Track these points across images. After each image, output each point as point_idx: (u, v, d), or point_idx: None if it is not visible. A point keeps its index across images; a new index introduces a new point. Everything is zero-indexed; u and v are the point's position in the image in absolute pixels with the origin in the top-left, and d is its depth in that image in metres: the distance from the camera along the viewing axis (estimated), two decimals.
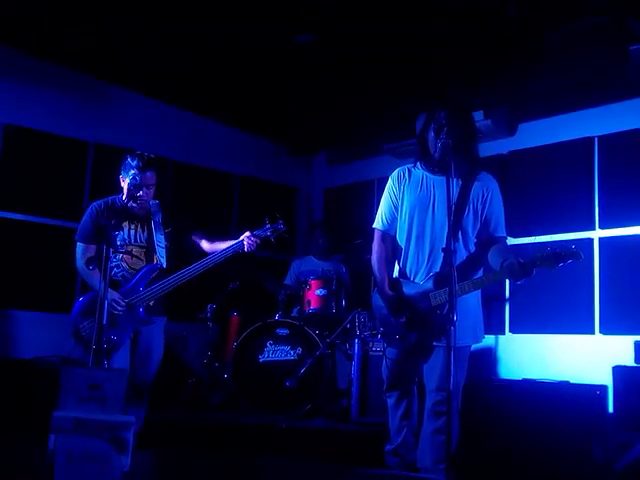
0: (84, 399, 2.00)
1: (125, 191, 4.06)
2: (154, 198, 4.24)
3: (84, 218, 4.15)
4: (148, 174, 4.06)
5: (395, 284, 3.56)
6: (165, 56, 5.70)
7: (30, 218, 5.89)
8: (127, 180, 4.05)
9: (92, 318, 3.90)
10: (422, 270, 3.51)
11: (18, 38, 5.65)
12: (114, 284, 3.97)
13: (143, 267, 4.06)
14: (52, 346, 5.18)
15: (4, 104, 5.81)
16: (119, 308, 3.90)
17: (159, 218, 4.18)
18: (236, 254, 4.10)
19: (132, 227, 4.13)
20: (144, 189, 4.05)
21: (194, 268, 4.04)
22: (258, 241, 4.11)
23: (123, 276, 4.05)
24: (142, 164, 4.04)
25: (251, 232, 4.11)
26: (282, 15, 4.92)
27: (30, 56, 5.86)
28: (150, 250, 4.10)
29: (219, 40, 5.38)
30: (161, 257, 4.09)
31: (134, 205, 4.08)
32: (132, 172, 4.01)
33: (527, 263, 3.23)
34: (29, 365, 4.98)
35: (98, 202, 4.18)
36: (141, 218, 4.16)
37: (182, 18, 5.06)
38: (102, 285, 3.42)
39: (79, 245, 4.13)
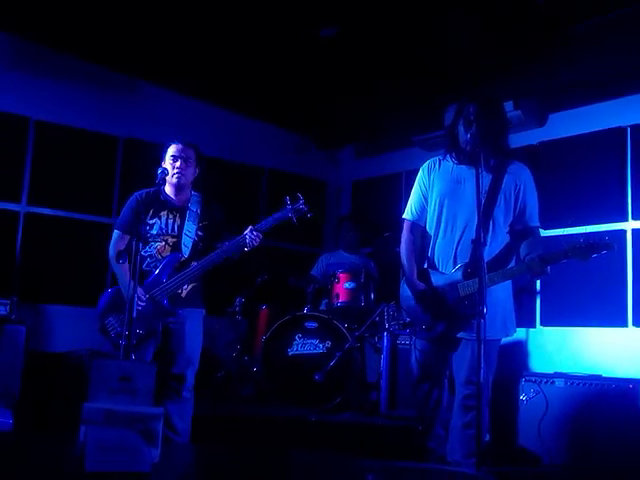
0: (114, 391, 2.02)
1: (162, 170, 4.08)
2: (195, 190, 4.24)
3: (124, 207, 4.15)
4: (183, 146, 4.11)
5: (424, 274, 3.54)
6: (194, 51, 5.72)
7: (61, 213, 5.97)
8: (166, 164, 4.09)
9: (117, 313, 3.94)
10: (450, 260, 3.50)
11: (49, 35, 5.71)
12: (145, 274, 3.95)
13: (166, 257, 4.02)
14: (84, 340, 5.25)
15: (35, 100, 5.88)
16: (140, 303, 3.81)
17: (197, 209, 4.13)
18: (242, 249, 3.98)
19: (170, 217, 4.08)
20: (181, 161, 4.06)
21: (205, 262, 3.97)
22: (261, 235, 3.97)
23: (155, 266, 4.00)
24: (179, 140, 4.13)
25: (253, 226, 3.99)
26: (307, 8, 4.90)
27: (60, 53, 5.92)
28: (180, 239, 4.06)
29: (246, 35, 5.38)
30: (185, 246, 4.03)
31: (173, 185, 4.07)
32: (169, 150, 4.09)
33: (549, 258, 3.22)
34: (60, 359, 5.04)
35: (140, 192, 4.16)
36: (179, 209, 4.12)
37: (209, 13, 5.06)
38: (131, 281, 3.41)
39: (115, 233, 4.11)
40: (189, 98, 6.68)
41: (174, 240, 4.06)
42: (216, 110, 6.87)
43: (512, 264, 3.52)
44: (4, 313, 4.97)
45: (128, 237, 4.07)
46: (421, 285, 3.51)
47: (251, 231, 3.96)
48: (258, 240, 3.97)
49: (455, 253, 3.49)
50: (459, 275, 3.41)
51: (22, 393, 4.71)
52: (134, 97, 6.38)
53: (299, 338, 5.50)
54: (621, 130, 5.47)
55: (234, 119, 7.02)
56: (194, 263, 4.00)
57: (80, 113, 6.09)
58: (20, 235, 5.74)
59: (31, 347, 4.99)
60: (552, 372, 5.01)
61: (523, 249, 3.47)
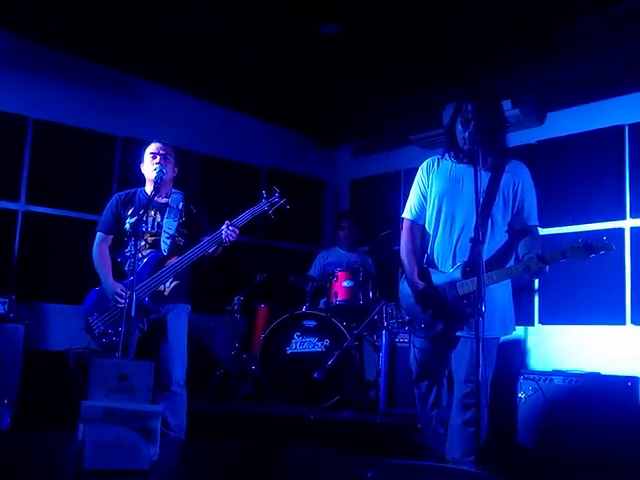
0: (113, 389, 2.01)
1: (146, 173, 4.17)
2: (176, 187, 4.27)
3: (105, 209, 4.23)
4: (161, 144, 4.19)
5: (423, 273, 3.54)
6: (192, 50, 5.71)
7: (59, 212, 5.95)
8: (145, 162, 4.18)
9: (99, 312, 4.02)
10: (449, 259, 3.49)
11: (47, 34, 5.70)
12: (128, 274, 3.97)
13: (146, 256, 4.04)
14: (82, 338, 5.24)
15: (33, 99, 5.87)
16: (121, 301, 3.87)
17: (177, 205, 4.18)
18: (220, 245, 4.01)
19: (150, 215, 4.12)
20: (160, 158, 4.11)
21: (183, 258, 3.99)
22: (237, 230, 3.98)
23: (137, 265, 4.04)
24: (157, 140, 4.24)
25: (229, 221, 3.99)
26: (308, 5, 4.89)
27: (58, 51, 5.91)
28: (159, 237, 4.10)
29: (244, 33, 5.37)
30: (164, 243, 4.08)
31: (155, 189, 4.06)
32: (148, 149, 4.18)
33: (547, 258, 3.22)
34: (58, 357, 5.04)
35: (120, 193, 4.25)
36: (159, 207, 4.16)
37: (207, 11, 5.06)
38: (130, 279, 3.44)
39: (97, 235, 4.22)
40: (187, 97, 6.67)
41: (153, 238, 4.10)
42: (214, 109, 6.86)
43: (511, 263, 3.51)
44: (2, 312, 4.97)
45: (111, 237, 4.19)
46: (421, 284, 3.51)
47: (227, 226, 3.98)
48: (234, 235, 3.98)
49: (454, 252, 3.49)
50: (458, 274, 3.41)
51: (21, 391, 4.71)
52: (132, 96, 6.37)
53: (298, 336, 5.50)
54: (619, 129, 5.48)
55: (232, 118, 7.01)
56: (173, 259, 4.03)
57: (78, 112, 6.08)
58: (18, 234, 5.72)
59: (29, 346, 4.99)
60: (551, 370, 5.01)
61: (521, 248, 3.46)
